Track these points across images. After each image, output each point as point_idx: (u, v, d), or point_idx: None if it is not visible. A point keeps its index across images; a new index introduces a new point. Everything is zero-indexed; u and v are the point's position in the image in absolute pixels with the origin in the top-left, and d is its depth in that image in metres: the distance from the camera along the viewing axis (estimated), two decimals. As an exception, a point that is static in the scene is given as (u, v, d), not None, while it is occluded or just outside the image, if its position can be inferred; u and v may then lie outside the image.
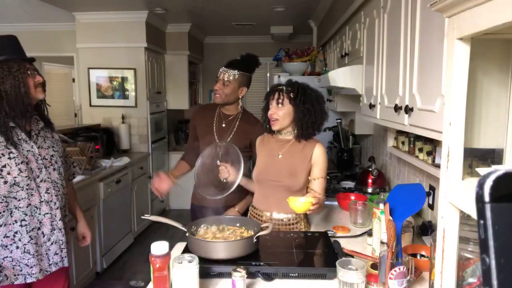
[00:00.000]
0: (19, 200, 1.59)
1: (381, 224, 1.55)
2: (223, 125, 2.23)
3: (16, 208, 1.59)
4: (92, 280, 3.35)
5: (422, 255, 1.53)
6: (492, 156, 0.99)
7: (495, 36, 0.89)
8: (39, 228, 1.65)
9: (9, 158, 1.56)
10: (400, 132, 2.20)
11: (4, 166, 1.55)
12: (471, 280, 0.96)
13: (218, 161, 1.98)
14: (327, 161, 1.86)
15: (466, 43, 0.82)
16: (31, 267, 1.62)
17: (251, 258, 1.45)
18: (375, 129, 3.05)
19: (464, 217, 0.94)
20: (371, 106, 2.00)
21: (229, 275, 1.31)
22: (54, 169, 1.72)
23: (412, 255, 1.50)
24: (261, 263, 1.42)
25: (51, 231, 1.68)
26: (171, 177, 2.16)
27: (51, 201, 1.67)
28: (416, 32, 1.42)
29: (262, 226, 1.56)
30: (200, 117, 2.31)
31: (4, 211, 1.58)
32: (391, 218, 1.30)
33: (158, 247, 1.24)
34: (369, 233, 1.72)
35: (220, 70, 2.20)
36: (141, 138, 4.69)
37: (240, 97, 2.21)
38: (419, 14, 1.40)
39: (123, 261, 3.80)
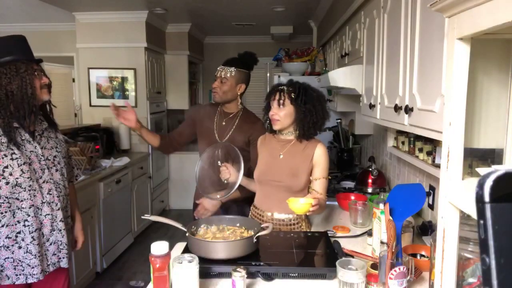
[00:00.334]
0: (22, 201, 1.59)
1: (381, 224, 1.55)
2: (223, 123, 2.24)
3: (18, 208, 1.59)
4: (92, 280, 3.35)
5: (422, 255, 1.53)
6: (492, 156, 0.99)
7: (495, 36, 0.89)
8: (40, 229, 1.65)
9: (12, 159, 1.56)
10: (400, 132, 2.20)
11: (6, 167, 1.55)
12: (471, 280, 0.96)
13: (219, 162, 1.98)
14: (328, 162, 1.86)
15: (466, 43, 0.82)
16: (33, 267, 1.62)
17: (251, 258, 1.45)
18: (375, 129, 3.05)
19: (464, 217, 0.94)
20: (371, 106, 2.00)
21: (229, 275, 1.31)
22: (56, 170, 1.71)
23: (412, 255, 1.50)
24: (261, 263, 1.42)
25: (51, 232, 1.68)
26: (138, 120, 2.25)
27: (52, 202, 1.67)
28: (416, 32, 1.42)
29: (262, 226, 1.56)
30: (201, 116, 2.32)
31: (6, 212, 1.58)
32: (391, 218, 1.30)
33: (158, 247, 1.24)
34: (369, 233, 1.72)
35: (218, 68, 2.21)
36: (141, 138, 4.68)
37: (238, 94, 2.22)
38: (419, 14, 1.40)
39: (123, 261, 3.80)
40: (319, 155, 1.81)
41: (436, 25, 1.23)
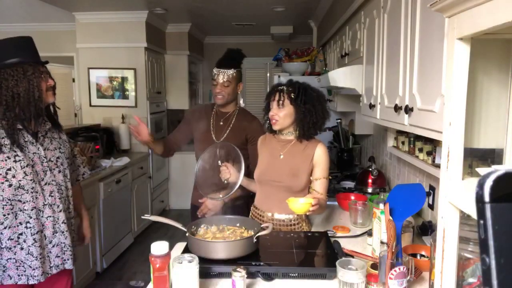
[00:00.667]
0: (24, 203, 1.59)
1: (381, 224, 1.55)
2: (221, 123, 2.26)
3: (21, 210, 1.59)
4: (92, 280, 3.35)
5: (422, 255, 1.53)
6: (492, 156, 0.99)
7: (495, 36, 0.89)
8: (42, 231, 1.64)
9: (15, 161, 1.55)
10: (400, 132, 2.20)
11: (9, 169, 1.55)
12: (471, 280, 0.96)
13: (219, 162, 1.97)
14: (329, 161, 1.85)
15: (466, 43, 0.82)
16: (34, 269, 1.61)
17: (251, 258, 1.45)
18: (375, 129, 3.05)
19: (464, 217, 0.94)
20: (371, 106, 2.00)
21: (229, 275, 1.31)
22: (59, 171, 1.71)
23: (412, 255, 1.50)
24: (261, 263, 1.42)
25: (53, 234, 1.67)
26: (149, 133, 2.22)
27: (54, 204, 1.67)
28: (416, 32, 1.42)
29: (262, 226, 1.56)
30: (197, 117, 2.32)
31: (9, 214, 1.57)
32: (391, 218, 1.30)
33: (158, 247, 1.24)
34: (369, 233, 1.72)
35: (215, 72, 2.20)
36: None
37: (238, 93, 2.27)
38: (419, 14, 1.40)
39: (123, 261, 3.80)
40: (320, 155, 1.81)
41: (436, 25, 1.23)
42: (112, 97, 4.62)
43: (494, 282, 0.42)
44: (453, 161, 0.86)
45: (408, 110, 1.45)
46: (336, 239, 1.72)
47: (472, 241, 1.00)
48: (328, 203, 2.05)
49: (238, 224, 1.68)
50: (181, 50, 5.25)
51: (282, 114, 1.78)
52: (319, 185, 1.80)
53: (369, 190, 2.59)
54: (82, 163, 2.02)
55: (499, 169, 0.45)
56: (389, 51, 1.75)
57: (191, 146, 2.43)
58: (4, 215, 1.57)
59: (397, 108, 1.56)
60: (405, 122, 1.51)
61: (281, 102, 1.77)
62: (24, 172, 1.57)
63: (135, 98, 4.58)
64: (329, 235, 1.74)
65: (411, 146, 2.00)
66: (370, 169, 2.60)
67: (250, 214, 1.99)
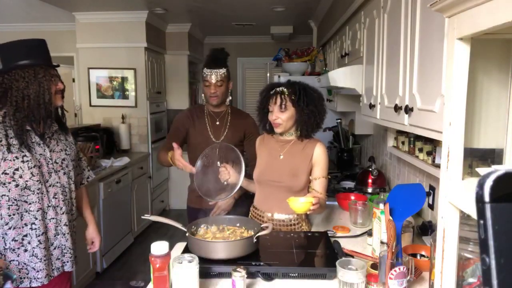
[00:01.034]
0: (30, 204, 1.58)
1: (381, 224, 1.55)
2: (217, 122, 2.26)
3: (26, 211, 1.58)
4: (92, 280, 3.35)
5: (422, 255, 1.53)
6: (492, 156, 0.99)
7: (495, 36, 0.89)
8: (45, 233, 1.64)
9: (23, 162, 1.55)
10: (400, 132, 2.20)
11: (17, 169, 1.55)
12: (471, 280, 0.96)
13: (218, 162, 1.96)
14: (328, 161, 1.86)
15: (466, 43, 0.82)
16: (38, 271, 1.61)
17: (251, 258, 1.45)
18: (375, 129, 3.05)
19: (464, 217, 0.94)
20: (371, 106, 2.00)
21: (229, 275, 1.31)
22: (64, 173, 1.70)
23: (412, 255, 1.50)
24: (261, 263, 1.42)
25: (55, 236, 1.67)
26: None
27: (57, 206, 1.66)
28: (416, 32, 1.42)
29: (262, 226, 1.56)
30: (191, 121, 2.29)
31: (14, 214, 1.57)
32: (391, 218, 1.30)
33: (158, 247, 1.24)
34: (369, 233, 1.72)
35: (208, 73, 2.18)
36: (141, 138, 4.69)
37: (230, 91, 2.29)
38: (419, 14, 1.40)
39: (123, 261, 3.80)
40: (319, 154, 1.81)
41: (436, 25, 1.23)
42: (112, 97, 4.62)
43: (494, 282, 0.42)
44: (453, 161, 0.86)
45: (408, 110, 1.45)
46: (336, 239, 1.72)
47: (472, 241, 1.00)
48: (328, 203, 2.05)
49: (238, 224, 1.68)
50: (181, 50, 5.25)
51: (285, 117, 1.77)
52: (319, 184, 1.80)
53: (369, 190, 2.59)
54: (87, 166, 2.01)
55: (499, 169, 0.45)
56: (389, 51, 1.75)
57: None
58: (10, 216, 1.56)
59: (397, 108, 1.56)
60: (405, 122, 1.51)
61: (283, 105, 1.76)
62: (31, 173, 1.57)
63: (135, 98, 4.58)
64: (329, 235, 1.74)
65: (411, 146, 2.00)
66: (370, 169, 2.60)
67: (250, 214, 1.98)
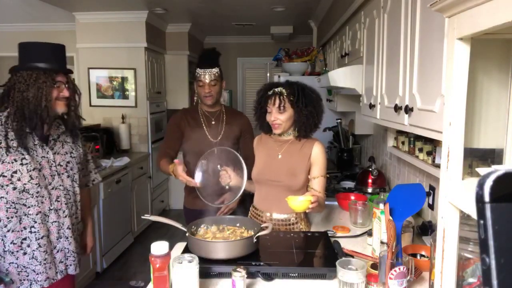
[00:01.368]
0: (29, 207, 1.57)
1: (381, 224, 1.55)
2: (213, 122, 2.26)
3: (25, 215, 1.57)
4: (92, 280, 3.35)
5: (422, 255, 1.53)
6: (492, 156, 0.99)
7: (495, 36, 0.89)
8: (47, 236, 1.62)
9: (21, 164, 1.54)
10: (400, 132, 2.20)
11: (15, 172, 1.53)
12: (471, 280, 0.96)
13: (218, 166, 1.93)
14: (326, 159, 1.86)
15: (466, 43, 0.82)
16: (38, 273, 1.60)
17: (251, 258, 1.45)
18: (375, 129, 3.05)
19: (464, 217, 0.94)
20: (371, 106, 2.00)
21: (229, 275, 1.31)
22: (68, 176, 1.69)
23: (412, 255, 1.50)
24: (261, 263, 1.42)
25: (57, 239, 1.66)
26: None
27: (60, 209, 1.65)
28: (416, 32, 1.42)
29: (262, 226, 1.56)
30: (186, 122, 2.29)
31: (12, 217, 1.56)
32: (391, 218, 1.30)
33: (158, 247, 1.24)
34: (369, 233, 1.72)
35: (201, 73, 2.19)
36: (141, 138, 4.69)
37: (223, 90, 2.30)
38: (419, 14, 1.40)
39: (123, 261, 3.80)
40: (317, 153, 1.81)
41: (436, 25, 1.23)
42: (112, 97, 4.61)
43: (494, 282, 0.42)
44: (453, 161, 0.86)
45: (408, 110, 1.45)
46: (336, 239, 1.72)
47: (472, 241, 1.00)
48: (328, 203, 2.05)
49: (238, 224, 1.68)
50: (181, 50, 5.25)
51: (284, 118, 1.77)
52: (317, 183, 1.80)
53: (369, 190, 2.59)
54: (95, 169, 1.99)
55: (499, 169, 0.45)
56: (389, 51, 1.75)
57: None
58: (8, 218, 1.55)
59: (397, 108, 1.56)
60: (405, 122, 1.51)
61: (282, 106, 1.76)
62: (30, 176, 1.55)
63: (135, 98, 4.58)
64: (329, 235, 1.74)
65: (411, 146, 2.00)
66: (370, 169, 2.60)
67: (249, 214, 1.99)
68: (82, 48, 4.55)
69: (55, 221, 1.64)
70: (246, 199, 2.17)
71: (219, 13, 4.50)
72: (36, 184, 1.57)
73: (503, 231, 0.44)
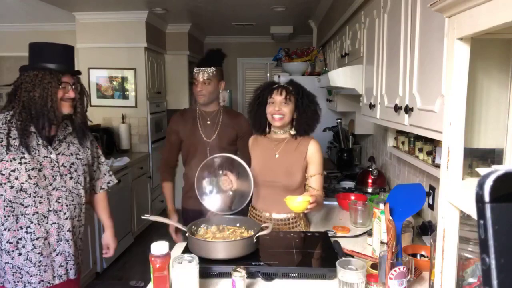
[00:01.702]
0: (26, 207, 1.56)
1: (381, 224, 1.55)
2: (208, 122, 2.26)
3: (22, 214, 1.56)
4: (92, 280, 3.35)
5: (422, 255, 1.53)
6: (492, 156, 0.99)
7: (495, 36, 0.89)
8: (46, 238, 1.60)
9: (20, 163, 1.53)
10: (400, 132, 2.20)
11: (13, 170, 1.52)
12: (471, 280, 0.96)
13: (220, 171, 1.87)
14: (322, 157, 1.86)
15: (466, 43, 0.82)
16: (31, 276, 1.58)
17: (251, 258, 1.45)
18: (375, 129, 3.05)
19: (464, 217, 0.94)
20: (371, 106, 2.00)
21: (229, 275, 1.31)
22: (71, 178, 1.67)
23: (412, 255, 1.50)
24: (261, 263, 1.42)
25: (58, 242, 1.63)
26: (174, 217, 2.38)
27: (60, 210, 1.62)
28: (416, 32, 1.42)
29: (262, 226, 1.56)
30: (183, 122, 2.29)
31: (9, 216, 1.55)
32: (391, 218, 1.30)
33: (158, 247, 1.24)
34: (369, 233, 1.72)
35: (196, 71, 2.21)
36: (141, 138, 4.69)
37: (220, 91, 2.28)
38: (419, 14, 1.40)
39: (123, 261, 3.80)
40: (313, 151, 1.81)
41: (436, 25, 1.23)
42: (112, 97, 4.61)
43: (494, 282, 0.42)
44: (453, 161, 0.86)
45: (408, 110, 1.45)
46: (336, 239, 1.72)
47: (472, 241, 1.00)
48: (328, 203, 2.05)
49: (238, 224, 1.68)
50: (181, 50, 5.25)
51: (287, 110, 1.78)
52: (315, 181, 1.81)
53: (369, 190, 2.59)
54: (109, 171, 1.97)
55: (499, 169, 0.45)
56: (389, 51, 1.75)
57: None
58: (5, 217, 1.55)
59: (397, 108, 1.56)
60: (405, 122, 1.51)
61: (288, 97, 1.77)
62: (28, 176, 1.54)
63: (135, 98, 4.58)
64: (329, 235, 1.74)
65: (411, 146, 2.00)
66: (370, 169, 2.60)
67: (249, 214, 1.99)
68: (82, 48, 4.55)
69: (55, 223, 1.61)
70: None
71: (219, 13, 4.50)
72: (34, 184, 1.56)
73: (503, 231, 0.44)
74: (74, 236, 1.69)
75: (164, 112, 5.20)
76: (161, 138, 5.05)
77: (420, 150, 1.86)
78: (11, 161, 1.52)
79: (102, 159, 1.95)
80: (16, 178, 1.53)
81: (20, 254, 1.57)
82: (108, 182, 1.97)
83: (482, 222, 0.44)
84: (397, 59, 1.61)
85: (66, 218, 1.64)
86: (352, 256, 1.55)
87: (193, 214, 2.06)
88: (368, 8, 2.18)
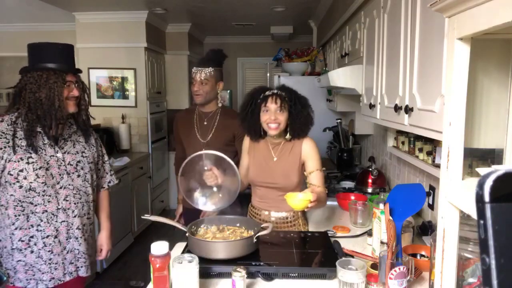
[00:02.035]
0: (36, 205, 1.57)
1: (381, 224, 1.55)
2: (205, 122, 2.26)
3: (32, 213, 1.57)
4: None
5: (422, 255, 1.53)
6: (492, 156, 0.99)
7: (495, 36, 0.89)
8: (56, 236, 1.61)
9: (28, 163, 1.54)
10: (400, 132, 2.20)
11: (21, 170, 1.54)
12: (471, 280, 0.96)
13: (205, 167, 1.82)
14: (319, 153, 1.85)
15: (466, 43, 0.82)
16: (43, 273, 1.60)
17: (251, 258, 1.45)
18: (375, 129, 3.05)
19: (464, 217, 0.94)
20: (371, 106, 2.00)
21: (229, 275, 1.31)
22: (78, 176, 1.67)
23: (412, 255, 1.50)
24: (261, 263, 1.42)
25: (67, 240, 1.64)
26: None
27: (68, 208, 1.64)
28: (416, 32, 1.43)
29: (262, 226, 1.56)
30: (182, 121, 2.32)
31: (19, 215, 1.56)
32: (391, 218, 1.30)
33: (158, 247, 1.24)
34: (369, 233, 1.72)
35: (194, 71, 2.22)
36: (141, 138, 4.69)
37: (218, 92, 2.26)
38: (419, 14, 1.40)
39: (123, 261, 3.80)
40: (307, 149, 1.82)
41: (436, 25, 1.23)
42: (112, 97, 4.61)
43: (494, 282, 0.42)
44: (453, 161, 0.86)
45: (408, 110, 1.45)
46: (336, 239, 1.72)
47: (472, 241, 1.00)
48: (328, 203, 2.05)
49: (238, 224, 1.68)
50: (181, 50, 5.25)
51: (283, 118, 1.77)
52: (315, 177, 1.81)
53: (369, 190, 2.59)
54: (111, 171, 1.98)
55: (499, 169, 0.45)
56: (389, 51, 1.75)
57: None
58: (16, 216, 1.56)
59: (397, 108, 1.56)
60: (405, 122, 1.51)
61: (283, 106, 1.76)
62: (36, 175, 1.55)
63: (135, 98, 4.58)
64: (329, 235, 1.74)
65: (411, 146, 2.00)
66: (370, 169, 2.60)
67: (248, 213, 1.99)
68: (82, 48, 4.55)
69: (64, 221, 1.63)
70: (242, 199, 2.16)
71: (219, 13, 4.50)
72: (43, 183, 1.57)
73: (503, 231, 0.44)
74: (85, 234, 1.71)
75: (164, 112, 5.20)
76: (161, 138, 5.06)
77: (420, 150, 1.86)
78: (18, 161, 1.54)
79: (106, 157, 1.96)
80: (25, 178, 1.54)
81: (32, 251, 1.59)
82: (109, 182, 1.98)
83: (482, 222, 0.44)
84: (397, 59, 1.61)
85: (75, 216, 1.66)
86: (352, 256, 1.55)
87: (193, 214, 2.06)
88: (368, 8, 2.18)
